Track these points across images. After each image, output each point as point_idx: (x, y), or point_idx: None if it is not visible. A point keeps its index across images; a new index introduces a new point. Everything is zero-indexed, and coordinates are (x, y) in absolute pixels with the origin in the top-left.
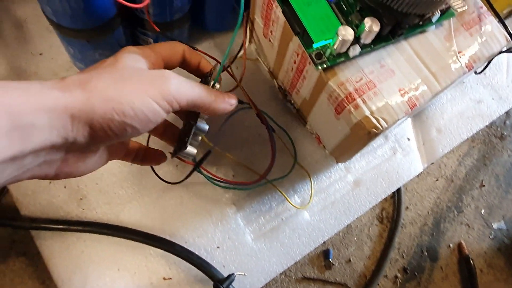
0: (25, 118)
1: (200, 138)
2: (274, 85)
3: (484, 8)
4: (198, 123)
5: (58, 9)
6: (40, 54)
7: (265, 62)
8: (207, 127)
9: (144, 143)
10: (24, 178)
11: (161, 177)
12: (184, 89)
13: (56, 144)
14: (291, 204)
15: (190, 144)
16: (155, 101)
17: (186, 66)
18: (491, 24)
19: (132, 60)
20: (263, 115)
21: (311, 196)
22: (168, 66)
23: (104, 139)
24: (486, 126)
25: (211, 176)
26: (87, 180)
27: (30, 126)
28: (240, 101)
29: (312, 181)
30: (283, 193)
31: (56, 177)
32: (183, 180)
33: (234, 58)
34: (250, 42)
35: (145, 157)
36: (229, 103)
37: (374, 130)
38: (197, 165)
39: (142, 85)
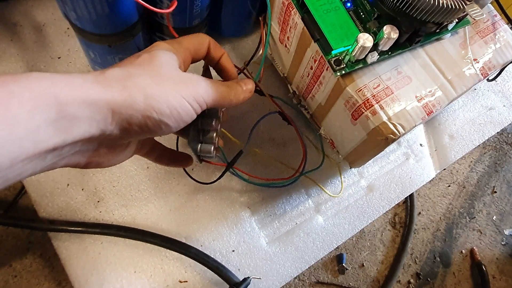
0: (70, 110)
1: (214, 134)
2: (288, 90)
3: (499, 16)
4: (202, 119)
5: (83, 15)
6: (59, 58)
7: (279, 67)
8: (214, 123)
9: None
10: (59, 166)
11: (194, 178)
12: (211, 90)
13: (93, 136)
14: (326, 192)
15: (204, 142)
16: (188, 101)
17: (209, 60)
18: (505, 32)
19: (166, 58)
20: (286, 113)
21: (341, 184)
22: (195, 60)
23: (138, 134)
24: (498, 132)
25: (245, 175)
26: (105, 182)
27: (73, 118)
28: (260, 93)
29: (321, 179)
30: (319, 184)
31: (86, 166)
32: (216, 181)
33: (249, 62)
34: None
35: (172, 159)
36: (247, 91)
37: (392, 135)
38: (229, 165)
39: (177, 86)
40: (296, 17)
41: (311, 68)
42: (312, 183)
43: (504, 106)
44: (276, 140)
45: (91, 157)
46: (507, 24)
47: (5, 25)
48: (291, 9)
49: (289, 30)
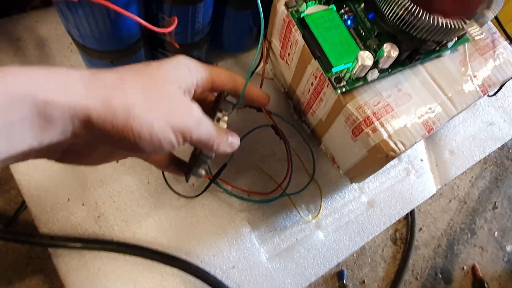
0: (47, 110)
1: (209, 161)
2: (289, 105)
3: (498, 33)
4: (205, 152)
5: (86, 32)
6: None
7: (280, 82)
8: (213, 155)
9: None
10: (32, 158)
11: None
12: (201, 128)
13: (67, 138)
14: (300, 215)
15: (197, 167)
16: (173, 132)
17: (236, 96)
18: (505, 49)
19: (175, 75)
20: (278, 126)
21: (320, 208)
22: (215, 90)
23: (113, 146)
24: (498, 148)
25: (229, 188)
26: (105, 197)
27: (50, 118)
28: (258, 109)
29: (322, 195)
30: (295, 205)
31: (60, 161)
32: (200, 194)
33: (251, 75)
34: (266, 62)
35: (176, 167)
36: (230, 146)
37: (392, 153)
38: (213, 178)
39: (168, 112)
40: (296, 34)
41: (312, 84)
42: (313, 199)
43: (504, 121)
44: (277, 155)
45: (66, 154)
46: (506, 40)
47: (8, 40)
48: (291, 26)
49: (290, 47)
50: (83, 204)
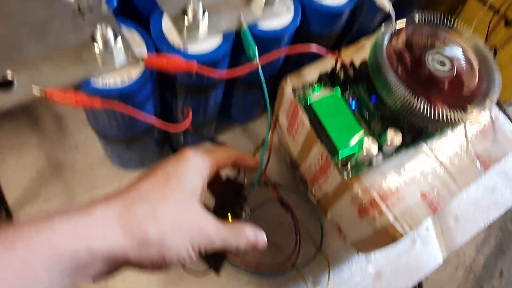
0: (88, 260)
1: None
2: (294, 175)
3: (496, 109)
4: None
5: (104, 125)
6: (76, 147)
7: (286, 153)
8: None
9: None
10: None
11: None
12: (216, 242)
13: (102, 274)
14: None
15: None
16: (194, 250)
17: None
18: (503, 125)
19: (193, 187)
20: (286, 200)
21: (328, 280)
22: (219, 169)
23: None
24: None
25: (237, 261)
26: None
27: (89, 265)
28: (265, 184)
29: (330, 268)
30: (304, 277)
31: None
32: (210, 269)
33: (257, 150)
34: (272, 133)
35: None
36: (252, 246)
37: (399, 235)
38: (224, 258)
39: (191, 234)
40: (303, 117)
41: (318, 161)
42: (321, 269)
43: (506, 187)
44: (284, 225)
45: (92, 278)
46: (503, 114)
47: (27, 117)
48: (298, 109)
49: (297, 126)
50: (93, 282)
